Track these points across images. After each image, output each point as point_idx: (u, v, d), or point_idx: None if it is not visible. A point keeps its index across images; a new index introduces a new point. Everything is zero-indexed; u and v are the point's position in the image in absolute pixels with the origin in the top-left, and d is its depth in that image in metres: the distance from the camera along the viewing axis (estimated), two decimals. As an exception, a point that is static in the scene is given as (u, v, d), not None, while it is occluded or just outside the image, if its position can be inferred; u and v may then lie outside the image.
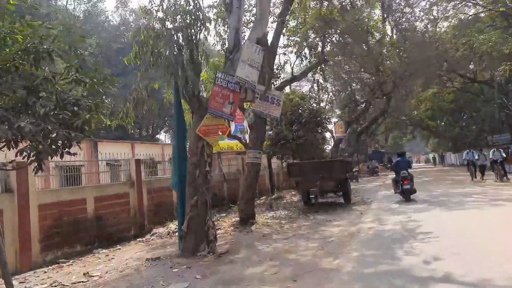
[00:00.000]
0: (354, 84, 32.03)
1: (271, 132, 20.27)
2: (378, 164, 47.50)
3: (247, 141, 13.69)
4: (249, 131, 14.06)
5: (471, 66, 37.27)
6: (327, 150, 32.09)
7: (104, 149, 16.07)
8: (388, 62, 30.04)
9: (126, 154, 17.10)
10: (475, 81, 40.24)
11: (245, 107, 13.29)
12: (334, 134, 32.93)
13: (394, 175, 15.82)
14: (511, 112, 31.97)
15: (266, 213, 14.77)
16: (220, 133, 9.07)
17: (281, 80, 14.34)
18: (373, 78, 29.02)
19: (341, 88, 31.30)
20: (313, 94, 20.78)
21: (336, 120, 34.82)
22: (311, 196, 14.99)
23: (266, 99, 12.20)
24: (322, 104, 21.85)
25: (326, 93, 31.43)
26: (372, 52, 28.87)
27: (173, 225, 12.53)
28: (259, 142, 12.87)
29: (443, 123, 54.32)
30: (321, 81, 22.36)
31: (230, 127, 10.92)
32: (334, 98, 32.43)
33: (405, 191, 14.79)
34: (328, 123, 21.34)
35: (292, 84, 21.09)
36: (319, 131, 20.18)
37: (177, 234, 9.85)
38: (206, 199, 8.63)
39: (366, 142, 47.48)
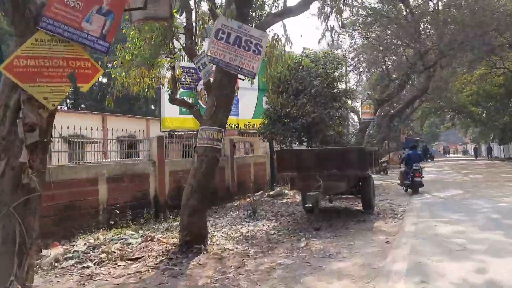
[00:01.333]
0: (386, 57, 26.06)
1: (268, 106, 15.03)
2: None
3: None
4: (206, 95, 8.87)
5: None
6: (349, 134, 26.61)
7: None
8: (430, 28, 24.05)
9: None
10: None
11: (196, 48, 7.93)
12: (360, 116, 27.22)
13: (405, 168, 15.45)
14: None
15: (240, 226, 9.70)
16: (71, 81, 3.97)
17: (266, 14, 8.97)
18: (412, 46, 23.13)
19: (370, 57, 25.39)
20: (331, 56, 15.11)
21: (364, 99, 28.98)
22: (306, 205, 9.73)
23: (237, 41, 7.27)
24: (343, 70, 16.20)
25: (347, 54, 25.54)
26: (413, 13, 22.99)
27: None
28: (222, 114, 7.68)
29: (489, 110, 47.35)
30: (337, 29, 15.70)
31: (100, 67, 5.91)
32: (360, 67, 26.48)
33: (416, 184, 14.59)
34: (350, 97, 15.81)
35: (299, 42, 15.53)
36: (337, 106, 14.77)
37: None
38: (14, 229, 3.61)
39: (399, 128, 41.37)
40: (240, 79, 8.08)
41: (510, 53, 38.91)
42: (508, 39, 29.81)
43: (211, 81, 7.73)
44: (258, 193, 15.71)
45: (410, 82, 32.97)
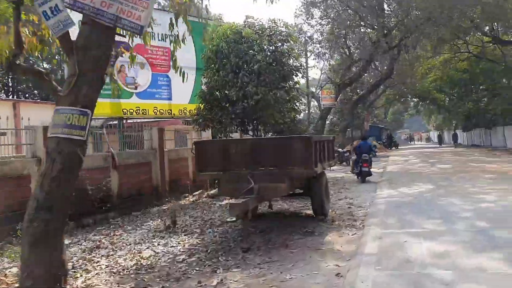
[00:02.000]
0: (348, 36, 23.78)
1: (203, 87, 12.42)
2: (377, 143, 39.89)
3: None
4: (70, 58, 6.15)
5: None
6: (308, 122, 24.43)
7: None
8: (394, 4, 21.94)
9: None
10: (501, 42, 32.18)
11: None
12: (320, 101, 25.00)
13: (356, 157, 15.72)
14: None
15: (147, 246, 7.12)
16: None
17: None
18: (376, 25, 20.96)
19: (330, 37, 23.05)
20: (280, 26, 12.51)
21: (324, 83, 26.72)
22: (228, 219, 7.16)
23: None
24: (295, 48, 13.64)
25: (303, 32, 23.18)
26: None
27: None
28: (88, 88, 4.98)
29: (453, 96, 46.41)
30: None
31: None
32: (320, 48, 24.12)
33: (363, 173, 14.90)
34: (299, 72, 13.25)
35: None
36: (287, 87, 12.30)
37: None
38: None
39: (363, 116, 39.67)
40: (120, 35, 5.43)
41: (475, 36, 37.84)
42: (474, 21, 28.33)
43: (71, 38, 5.03)
44: (197, 193, 13.14)
45: (373, 66, 31.11)
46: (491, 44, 36.53)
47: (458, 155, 26.89)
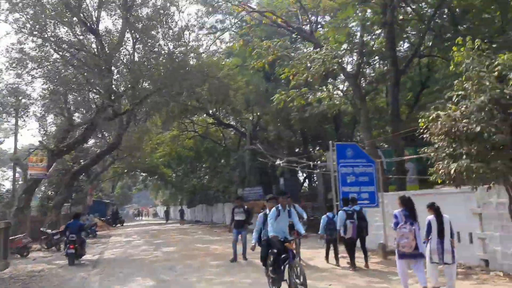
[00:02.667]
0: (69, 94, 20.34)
1: None
2: (100, 219, 35.86)
3: None
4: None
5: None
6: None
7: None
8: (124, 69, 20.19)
9: None
10: (222, 124, 34.73)
11: None
12: (28, 171, 20.00)
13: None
14: (264, 160, 26.84)
15: None
16: None
17: None
18: (102, 88, 18.46)
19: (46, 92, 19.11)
20: None
21: (33, 149, 21.95)
22: None
23: None
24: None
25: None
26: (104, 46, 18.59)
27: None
28: None
29: (179, 172, 47.57)
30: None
31: None
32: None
33: (69, 255, 13.46)
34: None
35: None
36: None
37: None
38: None
39: (86, 189, 35.39)
40: None
41: (200, 117, 40.20)
42: (200, 100, 29.54)
43: None
44: None
45: (100, 135, 28.19)
46: (214, 126, 39.45)
47: (184, 234, 25.95)
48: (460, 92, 7.78)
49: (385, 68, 19.17)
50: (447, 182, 8.28)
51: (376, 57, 18.05)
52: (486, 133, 7.10)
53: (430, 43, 17.08)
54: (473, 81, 7.46)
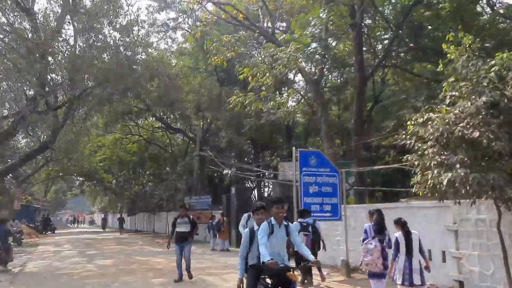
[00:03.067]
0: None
1: None
2: (28, 226, 32.55)
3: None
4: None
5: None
6: None
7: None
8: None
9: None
10: (170, 129, 32.91)
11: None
12: None
13: None
14: (215, 168, 25.39)
15: None
16: None
17: None
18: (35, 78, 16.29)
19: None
20: None
21: None
22: None
23: None
24: None
25: None
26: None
27: None
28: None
29: (120, 178, 44.75)
30: None
31: None
32: None
33: None
34: None
35: None
36: None
37: None
38: None
39: (14, 192, 31.97)
40: None
41: (146, 120, 38.03)
42: (147, 102, 27.71)
43: None
44: None
45: (31, 132, 25.40)
46: (160, 130, 37.44)
47: (123, 244, 23.76)
48: (454, 93, 6.89)
49: (348, 75, 18.50)
50: (429, 195, 7.42)
51: (338, 64, 17.29)
52: (485, 140, 6.22)
53: (393, 54, 16.61)
54: (472, 81, 6.58)
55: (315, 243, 10.21)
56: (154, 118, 33.93)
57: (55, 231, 40.89)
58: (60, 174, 44.10)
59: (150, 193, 32.09)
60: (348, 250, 11.82)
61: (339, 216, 12.02)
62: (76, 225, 65.18)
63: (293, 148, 12.21)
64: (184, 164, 25.60)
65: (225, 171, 28.52)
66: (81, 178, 46.91)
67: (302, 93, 17.81)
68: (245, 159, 29.32)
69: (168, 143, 37.70)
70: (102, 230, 44.63)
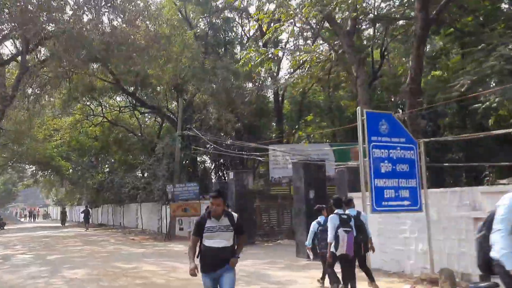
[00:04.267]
0: None
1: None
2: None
3: None
4: None
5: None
6: None
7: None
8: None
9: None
10: (142, 105, 28.58)
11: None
12: None
13: None
14: (202, 149, 21.54)
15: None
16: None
17: None
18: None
19: None
20: None
21: None
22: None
23: None
24: None
25: None
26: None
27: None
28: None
29: (81, 166, 39.55)
30: None
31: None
32: None
33: None
34: None
35: None
36: None
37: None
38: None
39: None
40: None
41: (111, 100, 33.32)
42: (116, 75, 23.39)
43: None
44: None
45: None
46: (128, 110, 32.88)
47: (91, 244, 19.47)
48: None
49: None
50: None
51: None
52: None
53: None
54: None
55: (360, 242, 7.34)
56: (122, 95, 29.42)
57: (4, 227, 35.60)
58: (10, 162, 38.80)
59: (118, 182, 27.61)
60: (432, 253, 8.46)
61: (419, 206, 8.59)
62: (30, 219, 57.97)
63: (358, 109, 8.57)
64: (164, 146, 21.48)
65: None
66: (34, 167, 41.41)
67: (335, 47, 14.06)
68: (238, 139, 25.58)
69: (136, 126, 33.20)
70: (61, 225, 39.48)
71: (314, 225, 8.35)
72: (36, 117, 26.59)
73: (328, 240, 7.11)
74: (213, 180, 26.35)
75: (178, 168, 21.22)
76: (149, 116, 34.34)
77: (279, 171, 20.57)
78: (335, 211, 7.26)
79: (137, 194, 24.84)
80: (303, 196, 12.58)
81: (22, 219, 60.30)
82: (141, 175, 27.36)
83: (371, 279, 7.51)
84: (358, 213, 7.63)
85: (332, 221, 7.06)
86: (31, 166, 41.79)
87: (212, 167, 28.12)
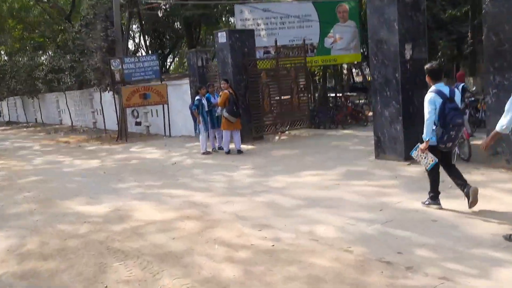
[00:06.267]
0: None
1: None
2: None
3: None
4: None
5: None
6: None
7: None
8: None
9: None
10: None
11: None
12: None
13: None
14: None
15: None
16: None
17: None
18: None
19: None
20: None
21: None
22: None
23: None
24: None
25: None
26: None
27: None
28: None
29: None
30: None
31: None
32: None
33: None
34: None
35: None
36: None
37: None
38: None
39: None
40: None
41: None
42: None
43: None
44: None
45: None
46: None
47: (6, 154, 13.01)
48: None
49: None
50: None
51: None
52: None
53: None
54: None
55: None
56: None
57: None
58: None
59: (28, 65, 19.88)
60: None
61: None
62: None
63: None
64: (94, 4, 14.23)
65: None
66: None
67: None
68: None
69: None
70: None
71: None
72: None
73: None
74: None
75: (120, 35, 14.40)
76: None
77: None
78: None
79: (59, 79, 17.88)
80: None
81: None
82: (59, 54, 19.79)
83: None
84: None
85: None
86: None
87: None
